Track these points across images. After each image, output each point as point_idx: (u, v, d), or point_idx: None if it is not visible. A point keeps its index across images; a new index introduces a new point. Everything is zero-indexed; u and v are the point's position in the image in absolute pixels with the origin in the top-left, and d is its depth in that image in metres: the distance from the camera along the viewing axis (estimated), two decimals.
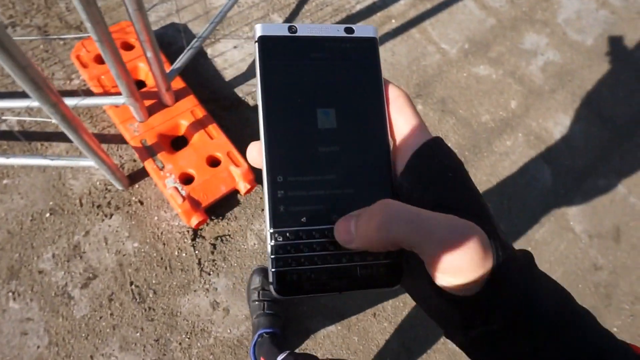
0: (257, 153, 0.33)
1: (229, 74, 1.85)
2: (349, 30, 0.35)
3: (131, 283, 1.47)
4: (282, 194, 0.31)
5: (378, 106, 0.34)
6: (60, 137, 1.62)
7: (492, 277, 0.28)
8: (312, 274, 0.31)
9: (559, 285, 0.31)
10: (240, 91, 1.82)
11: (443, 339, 1.57)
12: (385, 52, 2.03)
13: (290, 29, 0.34)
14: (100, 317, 1.42)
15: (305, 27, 0.34)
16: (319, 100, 0.33)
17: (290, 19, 2.02)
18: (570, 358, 0.28)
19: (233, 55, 1.89)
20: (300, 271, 0.31)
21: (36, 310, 1.40)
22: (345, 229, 0.30)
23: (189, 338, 1.43)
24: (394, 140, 0.35)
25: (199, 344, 1.43)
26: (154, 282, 1.48)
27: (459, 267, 0.27)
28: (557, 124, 2.03)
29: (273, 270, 0.31)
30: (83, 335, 1.39)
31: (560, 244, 1.81)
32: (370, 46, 0.35)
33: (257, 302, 1.44)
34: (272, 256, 0.31)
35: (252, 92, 1.82)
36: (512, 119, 2.01)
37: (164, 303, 1.46)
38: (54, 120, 1.13)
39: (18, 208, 1.53)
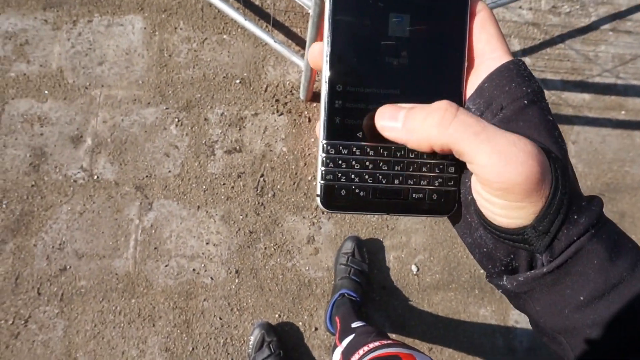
0: (318, 54, 0.30)
1: None
2: None
3: (261, 175, 1.57)
4: (339, 104, 0.29)
5: (459, 19, 0.30)
6: (283, 28, 1.76)
7: (548, 211, 0.25)
8: (361, 192, 0.29)
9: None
10: None
11: None
12: (596, 136, 1.88)
13: None
14: (223, 184, 1.54)
15: None
16: (393, 2, 0.29)
17: None
18: None
19: None
20: (349, 187, 0.29)
21: (185, 144, 1.57)
22: (392, 114, 0.28)
23: (274, 249, 1.50)
24: (471, 59, 0.31)
25: (278, 259, 1.49)
26: (278, 187, 1.57)
27: (511, 180, 0.24)
28: None
29: (321, 182, 0.29)
30: (203, 187, 1.53)
31: None
32: None
33: (343, 266, 1.46)
34: (322, 168, 0.29)
35: None
36: None
37: (274, 208, 1.55)
38: (310, 10, 1.22)
39: (222, 62, 1.70)
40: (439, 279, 1.55)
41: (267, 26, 1.79)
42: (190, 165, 1.54)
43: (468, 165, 0.27)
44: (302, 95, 1.68)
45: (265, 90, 1.68)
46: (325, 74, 0.29)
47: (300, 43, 1.74)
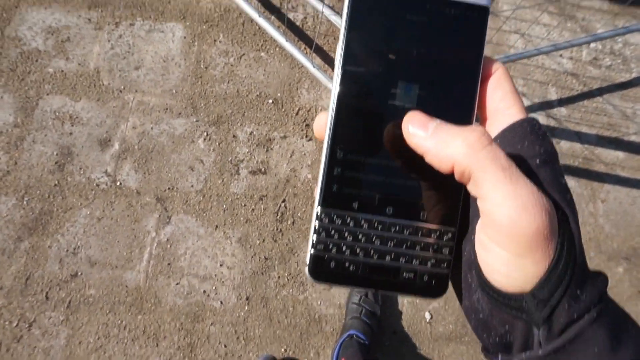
0: (324, 123, 0.29)
1: None
2: None
3: (283, 200, 1.54)
4: (338, 172, 0.28)
5: (470, 91, 0.29)
6: (320, 52, 1.73)
7: (550, 276, 0.23)
8: (351, 265, 0.28)
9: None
10: None
11: None
12: (626, 196, 1.80)
13: None
14: (244, 205, 1.51)
15: None
16: (403, 70, 0.29)
17: None
18: None
19: None
20: (339, 259, 0.28)
21: (211, 159, 1.54)
22: (422, 121, 0.27)
23: (287, 279, 1.46)
24: (485, 117, 0.30)
25: (291, 290, 1.45)
26: (299, 214, 1.54)
27: (521, 228, 0.23)
28: None
29: (312, 252, 0.28)
30: (224, 206, 1.50)
31: None
32: (478, 17, 0.29)
33: (355, 305, 1.42)
34: (314, 236, 0.28)
35: None
36: None
37: (292, 236, 1.51)
38: None
39: (256, 80, 1.68)
40: (452, 330, 1.49)
41: (305, 48, 1.76)
42: (213, 182, 1.52)
43: (479, 202, 0.25)
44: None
45: (297, 114, 1.66)
46: (327, 139, 0.29)
47: None
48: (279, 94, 1.68)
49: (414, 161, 0.28)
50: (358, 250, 0.28)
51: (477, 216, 0.27)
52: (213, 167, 1.54)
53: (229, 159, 1.56)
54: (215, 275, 1.40)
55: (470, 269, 0.27)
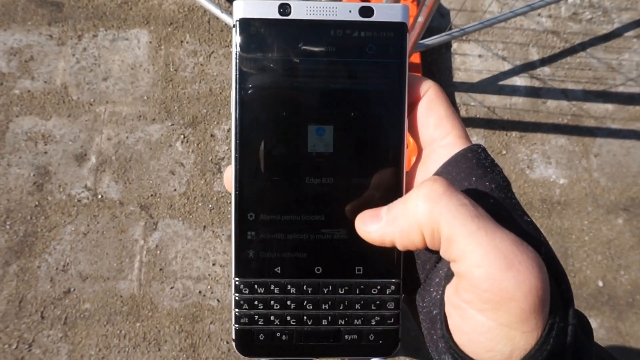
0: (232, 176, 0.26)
1: (458, 76, 1.80)
2: (366, 12, 0.25)
3: None
4: (252, 236, 0.25)
5: (395, 125, 0.25)
6: None
7: (541, 349, 0.19)
8: (283, 335, 0.25)
9: None
10: (460, 98, 1.76)
11: None
12: (619, 148, 1.81)
13: (281, 8, 0.24)
14: (229, 202, 1.51)
15: (303, 6, 0.25)
16: (313, 112, 0.25)
17: None
18: None
19: (473, 63, 1.83)
20: (268, 330, 0.25)
21: (191, 161, 1.53)
22: (372, 213, 0.24)
23: None
24: (420, 149, 0.26)
25: None
26: None
27: (508, 292, 0.18)
28: None
29: (236, 326, 0.25)
30: (210, 206, 1.49)
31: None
32: (395, 36, 0.25)
33: None
34: (236, 310, 0.25)
35: (468, 105, 1.75)
36: None
37: None
38: None
39: (228, 77, 1.67)
40: None
41: None
42: (196, 184, 1.51)
43: (452, 265, 0.21)
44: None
45: None
46: (234, 201, 0.25)
47: None
48: None
49: (339, 211, 0.25)
50: (289, 318, 0.25)
51: (434, 267, 0.24)
52: (194, 168, 1.53)
53: (210, 159, 1.55)
54: (209, 274, 1.40)
55: (434, 325, 0.23)
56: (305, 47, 0.25)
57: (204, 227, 1.45)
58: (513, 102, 1.74)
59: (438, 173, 0.24)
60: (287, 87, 0.25)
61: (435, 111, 0.25)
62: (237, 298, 0.25)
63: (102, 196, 1.45)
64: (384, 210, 0.23)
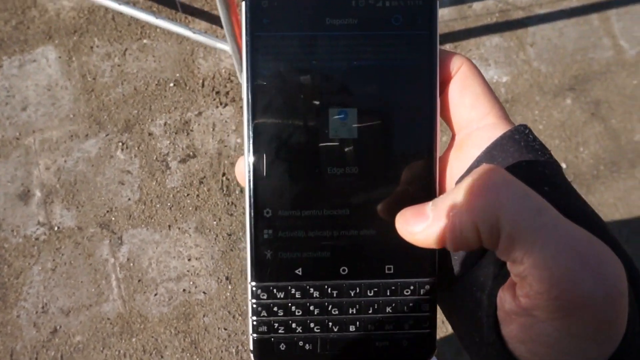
0: (244, 168, 0.23)
1: None
2: None
3: (223, 174, 1.51)
4: (269, 235, 0.23)
5: (426, 105, 0.23)
6: (204, 15, 1.64)
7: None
8: (306, 344, 0.23)
9: None
10: None
11: None
12: (552, 31, 1.80)
13: None
14: (187, 195, 1.48)
15: None
16: (334, 94, 0.22)
17: None
18: None
19: None
20: (290, 340, 0.23)
21: (137, 166, 1.49)
22: (416, 211, 0.20)
23: None
24: (453, 133, 0.23)
25: None
26: None
27: (583, 296, 0.15)
28: None
29: (254, 336, 0.23)
30: (168, 204, 1.46)
31: None
32: (424, 5, 0.23)
33: None
34: (254, 318, 0.23)
35: None
36: None
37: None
38: None
39: (149, 70, 1.59)
40: None
41: (186, 17, 1.66)
42: (148, 187, 1.47)
43: (512, 266, 0.18)
44: (240, 79, 1.58)
45: (203, 86, 1.59)
46: (249, 196, 0.23)
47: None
48: (177, 74, 1.60)
49: (366, 204, 0.22)
50: (312, 325, 0.23)
51: (476, 262, 0.21)
52: (142, 172, 1.48)
53: (154, 158, 1.50)
54: (188, 271, 1.38)
55: (478, 328, 0.20)
56: (323, 20, 0.22)
57: (169, 226, 1.43)
58: (440, 15, 1.70)
59: (480, 159, 0.21)
60: (304, 67, 0.22)
61: (471, 89, 0.22)
62: (254, 304, 0.23)
63: (58, 227, 1.41)
64: (429, 206, 0.20)
